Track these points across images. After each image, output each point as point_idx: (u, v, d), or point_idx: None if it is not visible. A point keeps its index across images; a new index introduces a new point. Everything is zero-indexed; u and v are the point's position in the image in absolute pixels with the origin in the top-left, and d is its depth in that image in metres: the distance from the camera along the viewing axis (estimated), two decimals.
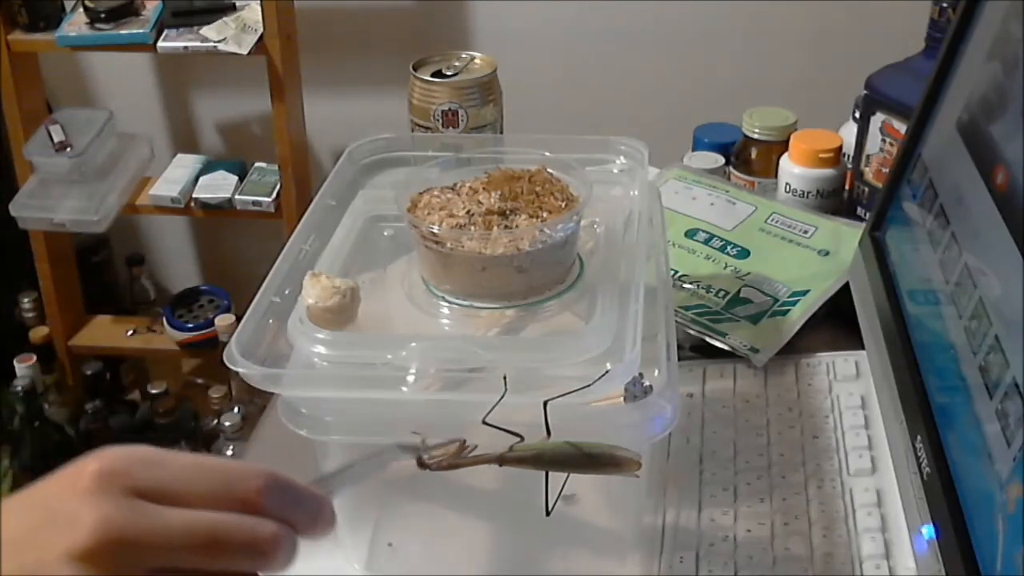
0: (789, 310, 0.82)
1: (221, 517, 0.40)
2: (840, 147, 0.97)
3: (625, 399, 0.55)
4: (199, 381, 2.00)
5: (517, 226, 0.63)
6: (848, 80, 1.04)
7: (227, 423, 1.63)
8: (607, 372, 0.53)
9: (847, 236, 0.88)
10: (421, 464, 0.49)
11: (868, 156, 0.95)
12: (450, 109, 0.88)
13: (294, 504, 0.42)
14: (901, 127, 0.90)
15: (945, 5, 0.90)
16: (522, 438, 0.51)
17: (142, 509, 0.38)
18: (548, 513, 0.52)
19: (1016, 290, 0.53)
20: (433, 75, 0.89)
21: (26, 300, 1.92)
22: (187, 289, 1.99)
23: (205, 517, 0.39)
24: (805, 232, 0.90)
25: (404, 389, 0.55)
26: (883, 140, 0.93)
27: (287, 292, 0.62)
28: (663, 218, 0.73)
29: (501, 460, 0.51)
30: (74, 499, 0.38)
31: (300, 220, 0.67)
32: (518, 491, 0.60)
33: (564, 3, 1.82)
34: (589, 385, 0.53)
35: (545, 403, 0.51)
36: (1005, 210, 0.56)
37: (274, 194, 1.78)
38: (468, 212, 0.64)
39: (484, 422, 0.51)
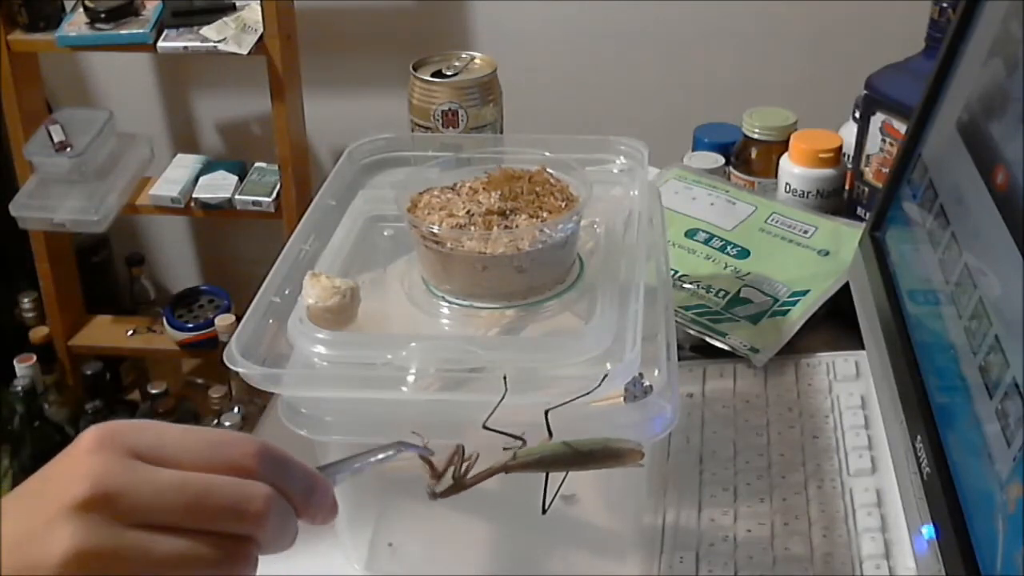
0: (789, 310, 0.82)
1: (213, 476, 0.41)
2: (840, 147, 0.96)
3: (625, 399, 0.55)
4: (199, 381, 2.00)
5: (517, 226, 0.63)
6: (848, 80, 1.04)
7: (227, 423, 1.63)
8: (607, 375, 0.53)
9: (847, 236, 0.88)
10: (432, 495, 0.50)
11: (868, 156, 0.95)
12: (450, 109, 0.88)
13: (289, 473, 0.43)
14: (901, 127, 0.90)
15: (945, 5, 0.90)
16: (524, 440, 0.51)
17: (137, 466, 0.40)
18: (544, 511, 0.52)
19: (1016, 290, 0.53)
20: (433, 75, 0.89)
21: (26, 300, 1.92)
22: (187, 289, 1.99)
23: (197, 476, 0.41)
24: (805, 232, 0.90)
25: (404, 389, 0.55)
26: (883, 140, 0.93)
27: (287, 292, 0.62)
28: (663, 218, 0.73)
29: (506, 469, 0.51)
30: (73, 461, 0.40)
31: (300, 220, 0.67)
32: (518, 491, 0.60)
33: (564, 3, 1.82)
34: (589, 392, 0.53)
35: (547, 412, 0.51)
36: (1005, 210, 0.56)
37: (274, 194, 1.78)
38: (468, 212, 0.64)
39: (484, 426, 0.51)
